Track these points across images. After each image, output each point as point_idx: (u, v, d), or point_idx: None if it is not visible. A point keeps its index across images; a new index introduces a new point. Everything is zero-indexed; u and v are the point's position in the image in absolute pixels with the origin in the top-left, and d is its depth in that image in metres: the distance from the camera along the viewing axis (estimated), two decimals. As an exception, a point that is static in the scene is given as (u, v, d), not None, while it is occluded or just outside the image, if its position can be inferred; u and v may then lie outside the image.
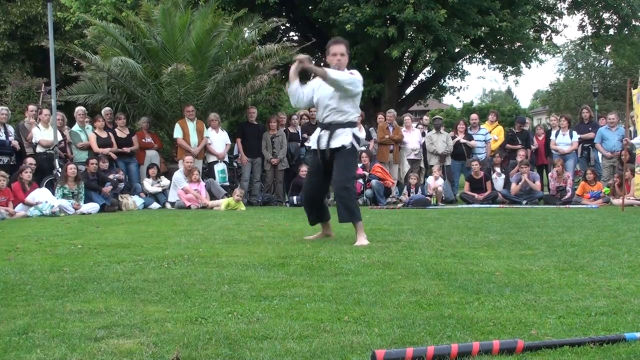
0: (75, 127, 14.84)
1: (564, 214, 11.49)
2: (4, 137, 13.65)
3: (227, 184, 15.26)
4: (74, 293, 4.53)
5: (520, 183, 15.02)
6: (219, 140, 15.46)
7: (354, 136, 7.25)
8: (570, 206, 13.87)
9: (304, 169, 14.88)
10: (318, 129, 7.46)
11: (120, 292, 4.54)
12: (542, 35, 25.83)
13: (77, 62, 17.72)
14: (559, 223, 9.62)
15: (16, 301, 4.29)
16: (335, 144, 7.21)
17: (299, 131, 16.35)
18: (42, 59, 25.81)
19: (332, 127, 7.25)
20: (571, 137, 15.92)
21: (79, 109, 15.10)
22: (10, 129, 13.94)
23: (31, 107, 14.96)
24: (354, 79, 7.26)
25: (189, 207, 13.89)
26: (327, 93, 7.30)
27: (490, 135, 16.81)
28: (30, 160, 13.44)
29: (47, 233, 8.68)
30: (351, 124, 7.31)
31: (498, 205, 14.48)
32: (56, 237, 8.18)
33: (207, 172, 15.30)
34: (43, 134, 13.98)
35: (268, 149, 15.58)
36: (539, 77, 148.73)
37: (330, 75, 7.10)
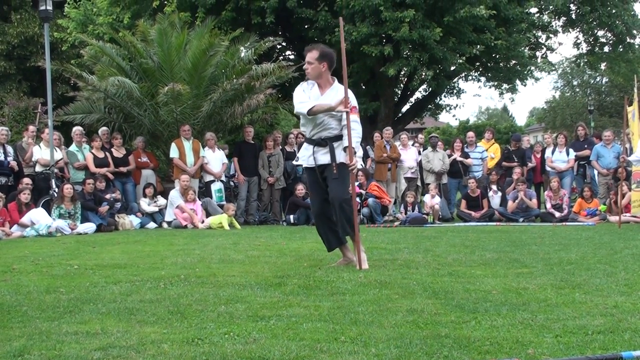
0: (72, 147, 14.87)
1: (560, 232, 11.50)
2: (2, 158, 13.65)
3: (224, 202, 15.25)
4: (70, 314, 4.52)
5: (516, 201, 15.04)
6: (215, 159, 15.46)
7: (344, 149, 6.97)
8: (567, 224, 13.87)
9: (300, 188, 14.91)
10: (309, 146, 7.08)
11: (116, 313, 4.53)
12: (538, 53, 25.92)
13: (73, 82, 17.75)
14: (556, 241, 9.63)
15: (12, 323, 4.28)
16: (338, 158, 6.94)
17: (296, 150, 16.35)
18: (39, 79, 25.87)
19: (328, 142, 6.95)
20: (567, 154, 15.96)
21: (76, 129, 15.13)
22: (10, 149, 13.94)
23: (31, 127, 14.98)
24: (358, 119, 6.94)
25: (186, 226, 13.88)
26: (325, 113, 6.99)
27: (486, 153, 16.84)
28: (26, 180, 13.43)
29: (43, 253, 8.66)
30: (341, 138, 6.98)
31: (495, 223, 14.48)
32: (52, 257, 8.16)
33: (204, 191, 15.30)
34: (43, 153, 14.00)
35: (265, 167, 15.59)
36: (534, 94, 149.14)
37: (355, 140, 6.84)
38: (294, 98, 6.97)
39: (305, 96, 6.91)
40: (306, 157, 7.09)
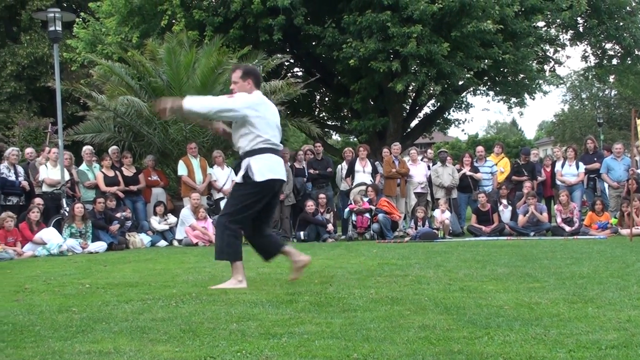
0: (83, 166, 14.94)
1: (571, 246, 11.45)
2: (13, 178, 13.73)
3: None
4: (83, 333, 4.52)
5: (527, 215, 14.99)
6: (224, 176, 15.49)
7: (249, 167, 6.64)
8: (578, 237, 13.83)
9: (310, 204, 14.93)
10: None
11: (128, 332, 4.53)
12: (546, 67, 25.96)
13: (83, 102, 17.86)
14: (567, 255, 9.59)
15: (25, 343, 4.28)
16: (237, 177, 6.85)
17: (305, 166, 16.40)
18: (48, 99, 26.04)
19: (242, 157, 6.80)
20: (577, 167, 15.93)
21: (86, 148, 15.20)
22: (20, 169, 14.03)
23: (54, 149, 15.04)
24: (217, 105, 6.60)
25: (197, 244, 13.89)
26: (234, 129, 6.83)
27: (496, 167, 16.82)
28: (38, 200, 13.49)
29: (55, 273, 8.69)
30: (249, 153, 6.67)
31: (505, 238, 14.44)
32: (64, 276, 8.18)
33: (214, 208, 15.32)
34: (50, 173, 14.06)
35: (274, 184, 15.57)
36: (543, 108, 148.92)
37: (185, 106, 6.50)
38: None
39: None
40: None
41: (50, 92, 22.10)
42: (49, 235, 12.65)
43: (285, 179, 7.02)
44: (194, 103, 6.61)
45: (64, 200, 13.89)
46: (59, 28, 15.16)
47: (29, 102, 28.08)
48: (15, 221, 12.55)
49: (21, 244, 12.44)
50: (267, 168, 6.62)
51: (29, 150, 15.40)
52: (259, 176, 6.57)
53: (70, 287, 6.96)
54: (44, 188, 14.12)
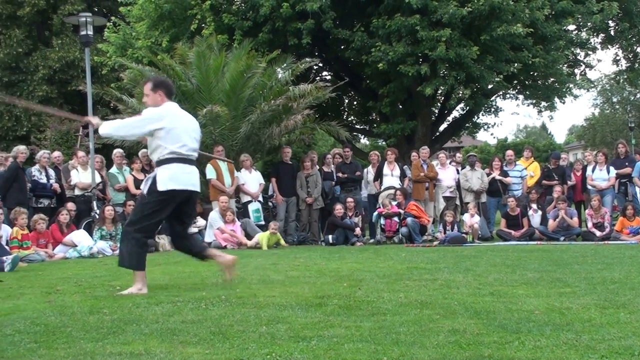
0: (113, 169, 15.06)
1: (602, 251, 11.34)
2: (45, 180, 13.89)
3: (262, 223, 15.30)
4: (114, 335, 4.56)
5: (557, 219, 14.87)
6: (252, 180, 15.53)
7: (155, 177, 6.77)
8: (609, 242, 13.69)
9: (339, 208, 14.94)
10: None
11: (159, 334, 4.56)
12: (576, 70, 25.71)
13: (114, 105, 18.00)
14: (598, 260, 9.49)
15: (57, 344, 4.33)
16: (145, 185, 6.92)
17: (333, 170, 16.41)
18: (79, 102, 26.28)
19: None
20: (608, 172, 15.78)
21: (117, 151, 15.32)
22: (51, 172, 14.19)
23: (80, 153, 15.17)
24: (126, 125, 6.89)
25: (225, 247, 13.94)
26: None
27: (526, 172, 16.70)
28: (70, 205, 13.63)
29: (86, 275, 8.77)
30: (157, 164, 6.85)
31: (535, 242, 14.33)
32: (95, 278, 8.25)
33: (242, 212, 15.36)
34: (81, 177, 14.20)
35: (303, 188, 15.64)
36: (573, 112, 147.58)
37: (101, 132, 6.92)
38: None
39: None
40: None
41: (82, 96, 22.31)
42: (80, 237, 12.77)
43: (194, 188, 6.99)
44: (108, 128, 6.88)
45: (94, 203, 14.02)
46: (90, 32, 15.32)
47: (60, 106, 28.34)
48: (47, 223, 12.68)
49: (52, 245, 12.57)
50: (170, 178, 6.72)
51: (56, 154, 15.54)
52: (161, 186, 6.69)
53: (101, 289, 7.02)
54: (76, 191, 14.27)
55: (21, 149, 13.97)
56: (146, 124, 6.74)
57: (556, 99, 24.51)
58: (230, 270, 7.27)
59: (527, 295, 5.98)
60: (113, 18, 24.18)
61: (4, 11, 27.60)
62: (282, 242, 13.78)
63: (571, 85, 24.15)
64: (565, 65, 23.53)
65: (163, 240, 13.94)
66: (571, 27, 22.84)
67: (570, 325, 4.59)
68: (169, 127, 6.74)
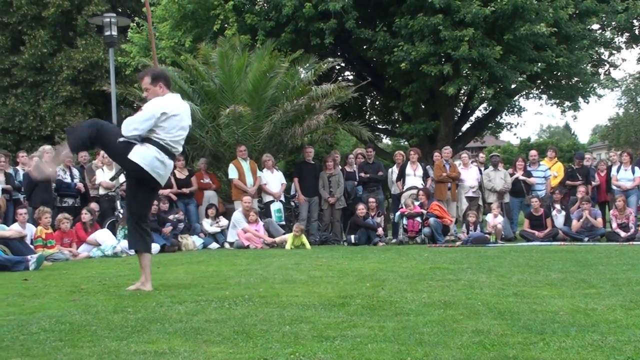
0: (136, 169, 15.10)
1: (627, 251, 11.25)
2: (69, 180, 14.00)
3: (284, 222, 15.33)
4: (138, 334, 4.58)
5: (581, 220, 14.76)
6: (274, 179, 15.57)
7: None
8: (634, 243, 13.56)
9: (361, 208, 14.92)
10: None
11: (183, 333, 4.58)
12: (600, 70, 25.51)
13: (137, 105, 18.03)
14: (623, 260, 9.42)
15: (82, 342, 4.36)
16: None
17: (356, 170, 16.40)
18: (103, 102, 26.51)
19: None
20: (633, 172, 15.65)
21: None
22: (75, 171, 14.29)
23: (102, 152, 15.27)
24: (135, 121, 6.72)
25: (248, 246, 13.97)
26: None
27: (550, 172, 16.59)
28: (94, 205, 13.72)
29: (110, 274, 8.82)
30: (142, 140, 6.80)
31: (559, 243, 14.23)
32: (119, 277, 8.30)
33: (265, 211, 15.38)
34: (105, 176, 14.29)
35: (325, 188, 15.64)
36: (597, 111, 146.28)
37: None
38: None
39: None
40: None
41: (105, 96, 22.46)
42: (104, 236, 12.86)
43: (158, 178, 6.87)
44: (125, 132, 6.71)
45: (118, 203, 14.11)
46: (114, 33, 15.43)
47: (84, 106, 28.61)
48: (71, 222, 12.77)
49: (76, 245, 12.66)
50: (143, 155, 6.69)
51: (82, 153, 15.64)
52: (133, 156, 6.67)
53: (125, 288, 7.04)
54: (100, 191, 14.37)
55: (46, 149, 14.06)
56: (151, 116, 6.69)
57: (580, 99, 24.35)
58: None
59: (551, 296, 5.94)
60: (136, 18, 24.34)
61: (29, 12, 27.81)
62: (307, 245, 13.76)
63: (595, 85, 23.98)
64: (589, 65, 23.36)
65: (186, 240, 14.02)
66: (595, 27, 22.68)
67: (596, 326, 4.56)
68: (170, 113, 6.77)
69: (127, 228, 6.96)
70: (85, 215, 13.10)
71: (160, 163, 6.77)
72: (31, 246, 11.44)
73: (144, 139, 6.74)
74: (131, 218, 7.11)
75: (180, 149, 7.08)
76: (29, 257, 9.94)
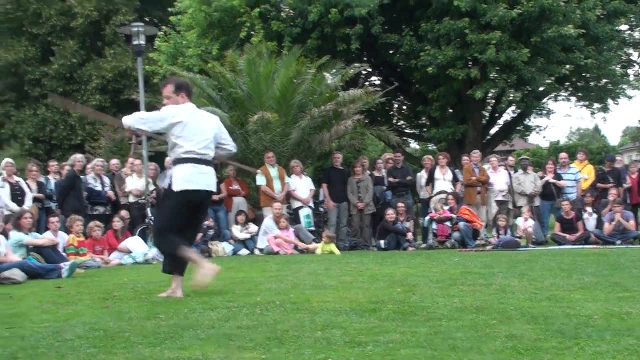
0: (166, 177, 15.22)
1: (661, 254, 11.12)
2: (100, 188, 14.13)
3: (313, 228, 15.34)
4: (171, 340, 4.60)
5: (613, 223, 14.63)
6: (303, 185, 15.59)
7: (171, 177, 6.93)
8: (668, 246, 13.42)
9: (390, 213, 14.89)
10: None
11: (215, 339, 4.59)
12: (630, 71, 25.24)
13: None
14: (657, 264, 9.31)
15: (116, 349, 4.38)
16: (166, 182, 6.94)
17: (385, 175, 16.38)
18: (133, 111, 26.38)
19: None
20: (666, 174, 15.50)
21: (169, 159, 15.46)
22: (106, 180, 14.42)
23: (131, 159, 15.41)
24: (147, 117, 6.97)
25: (277, 252, 13.99)
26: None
27: (580, 175, 16.46)
28: (124, 213, 13.83)
29: (141, 281, 8.88)
30: (174, 163, 6.97)
31: (591, 246, 14.11)
32: (151, 284, 8.34)
33: (294, 218, 15.41)
34: (136, 184, 14.40)
35: (354, 193, 15.63)
36: (627, 113, 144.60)
37: (123, 122, 6.93)
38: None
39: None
40: None
41: (134, 105, 22.58)
42: (135, 244, 12.97)
43: (208, 188, 7.02)
44: (130, 120, 6.91)
45: (149, 210, 14.21)
46: (142, 42, 15.54)
47: (114, 115, 28.72)
48: (103, 230, 12.89)
49: (108, 252, 12.77)
50: (184, 179, 6.79)
51: (114, 161, 15.80)
52: (176, 186, 6.78)
53: (157, 295, 7.08)
54: (131, 199, 14.48)
55: (78, 158, 14.24)
56: (167, 117, 6.81)
57: (609, 101, 24.13)
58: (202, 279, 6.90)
59: (585, 300, 5.89)
60: (164, 27, 24.49)
61: (58, 23, 28.16)
62: (337, 252, 13.76)
63: (625, 86, 23.74)
64: (619, 66, 23.14)
65: (216, 247, 14.08)
66: (624, 27, 22.47)
67: (631, 330, 4.50)
68: (186, 121, 6.83)
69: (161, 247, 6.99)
70: (117, 223, 13.23)
71: (202, 176, 6.89)
72: (64, 254, 11.57)
73: (175, 162, 6.86)
74: (161, 235, 7.10)
75: (212, 153, 7.08)
76: (61, 265, 10.04)
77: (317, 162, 20.68)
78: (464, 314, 5.33)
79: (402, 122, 28.11)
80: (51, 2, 28.17)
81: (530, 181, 16.07)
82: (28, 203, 12.97)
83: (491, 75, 19.37)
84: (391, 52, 21.59)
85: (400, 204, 15.41)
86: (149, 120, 6.91)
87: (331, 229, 15.13)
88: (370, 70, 24.26)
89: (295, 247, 14.25)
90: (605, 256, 11.05)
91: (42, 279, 9.51)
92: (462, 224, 14.73)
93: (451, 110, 22.51)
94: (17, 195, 12.99)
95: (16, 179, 13.28)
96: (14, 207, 12.58)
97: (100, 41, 29.70)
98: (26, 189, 13.21)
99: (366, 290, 7.04)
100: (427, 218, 15.30)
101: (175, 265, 7.03)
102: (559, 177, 16.20)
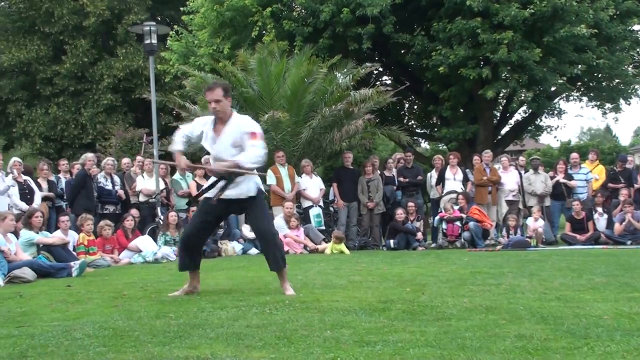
0: (176, 176, 15.23)
1: (672, 255, 11.07)
2: (110, 187, 14.15)
3: (323, 227, 15.32)
4: (180, 339, 4.62)
5: (624, 223, 14.57)
6: (313, 185, 15.58)
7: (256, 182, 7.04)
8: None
9: (400, 212, 14.87)
10: (214, 178, 7.16)
11: (224, 338, 4.60)
12: (642, 71, 25.15)
13: (177, 113, 18.24)
14: (668, 264, 9.27)
15: (125, 347, 4.40)
16: (240, 193, 6.94)
17: (395, 174, 16.36)
18: (143, 110, 26.78)
19: (231, 176, 6.93)
20: (677, 174, 15.42)
21: (244, 163, 15.45)
22: (117, 178, 14.45)
23: (139, 157, 15.46)
24: (261, 143, 6.90)
25: (287, 252, 13.98)
26: (227, 149, 6.97)
27: (591, 175, 16.40)
28: (134, 212, 13.85)
29: (151, 280, 8.90)
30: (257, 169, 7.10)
31: (601, 246, 14.06)
32: (160, 283, 8.37)
33: (304, 217, 15.40)
34: (146, 183, 14.43)
35: (364, 193, 15.61)
36: (639, 113, 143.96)
37: (247, 165, 6.83)
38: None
39: (192, 130, 7.16)
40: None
41: (145, 104, 22.69)
42: (145, 243, 12.99)
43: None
44: (248, 159, 6.83)
45: (159, 209, 14.24)
46: (154, 41, 15.58)
47: (124, 114, 28.94)
48: (113, 229, 12.92)
49: (117, 251, 12.80)
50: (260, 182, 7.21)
51: (125, 160, 15.83)
52: (260, 190, 7.13)
53: (166, 294, 7.10)
54: (141, 198, 14.51)
55: (89, 157, 14.27)
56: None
57: (621, 101, 24.02)
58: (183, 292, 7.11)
59: (594, 300, 5.87)
60: (176, 27, 24.55)
61: (70, 22, 28.23)
62: (346, 251, 13.75)
63: (637, 86, 23.63)
64: (631, 66, 23.03)
65: (226, 246, 14.09)
66: (636, 27, 22.36)
67: (641, 331, 4.50)
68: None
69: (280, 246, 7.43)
70: (129, 222, 13.26)
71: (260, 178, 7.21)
72: (74, 253, 11.61)
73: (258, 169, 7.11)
74: None
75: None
76: (71, 263, 10.08)
77: (327, 161, 20.66)
78: (473, 313, 5.33)
79: (412, 122, 28.09)
80: (63, 1, 28.25)
81: (540, 181, 16.03)
82: (37, 201, 13.02)
83: (502, 74, 19.30)
84: (402, 51, 21.57)
85: (410, 204, 15.40)
86: (261, 152, 6.90)
87: (341, 228, 15.12)
88: (381, 69, 24.26)
89: (305, 247, 14.26)
90: (615, 256, 11.02)
91: (52, 278, 9.55)
92: (471, 224, 14.70)
93: (462, 110, 22.45)
94: (26, 194, 13.04)
95: (24, 177, 13.32)
96: (23, 205, 12.64)
97: (111, 40, 29.77)
98: (35, 188, 13.26)
99: (375, 289, 7.04)
100: (437, 217, 15.29)
101: (193, 262, 7.16)
102: (569, 177, 16.15)
